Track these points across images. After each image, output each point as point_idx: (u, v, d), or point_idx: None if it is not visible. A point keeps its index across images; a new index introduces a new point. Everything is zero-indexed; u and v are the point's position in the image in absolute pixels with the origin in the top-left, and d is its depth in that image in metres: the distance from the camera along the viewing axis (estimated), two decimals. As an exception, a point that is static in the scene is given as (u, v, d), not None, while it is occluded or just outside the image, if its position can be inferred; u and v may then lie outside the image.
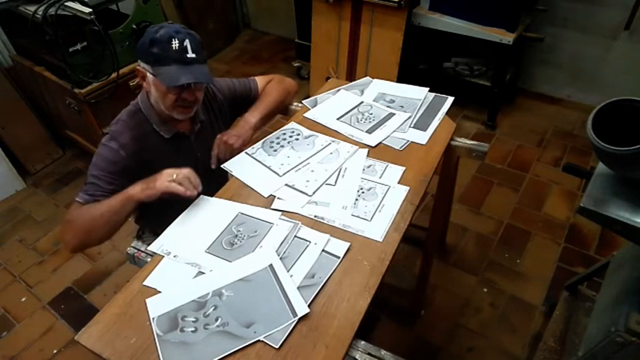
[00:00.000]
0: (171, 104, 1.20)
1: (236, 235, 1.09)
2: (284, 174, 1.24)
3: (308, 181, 1.21)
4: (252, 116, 1.39)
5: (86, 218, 1.13)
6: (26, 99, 2.58)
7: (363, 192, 1.18)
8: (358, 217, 1.11)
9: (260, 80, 1.51)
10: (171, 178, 1.10)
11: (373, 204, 1.15)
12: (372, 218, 1.11)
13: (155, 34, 1.13)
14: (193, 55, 1.15)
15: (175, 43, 1.13)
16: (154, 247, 1.07)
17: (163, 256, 1.03)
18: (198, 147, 1.35)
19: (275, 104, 1.46)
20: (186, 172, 1.13)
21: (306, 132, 1.40)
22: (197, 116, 1.33)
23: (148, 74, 1.18)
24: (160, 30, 1.14)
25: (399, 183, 1.21)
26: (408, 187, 1.19)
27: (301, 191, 1.19)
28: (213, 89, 1.40)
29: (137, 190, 1.12)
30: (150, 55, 1.14)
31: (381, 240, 1.05)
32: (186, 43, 1.14)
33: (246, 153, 1.33)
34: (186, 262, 1.02)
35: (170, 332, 0.88)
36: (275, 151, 1.33)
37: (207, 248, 1.06)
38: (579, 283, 1.72)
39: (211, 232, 1.09)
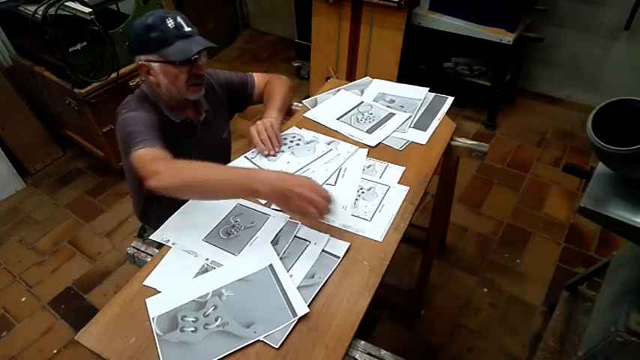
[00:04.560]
0: (183, 85, 1.21)
1: (233, 226, 1.10)
2: None
3: (308, 181, 1.21)
4: (270, 115, 1.38)
5: (192, 173, 1.05)
6: (26, 99, 2.59)
7: (363, 192, 1.18)
8: (358, 217, 1.11)
9: (257, 77, 1.51)
10: (306, 213, 0.97)
11: (373, 204, 1.15)
12: (372, 218, 1.11)
13: (146, 21, 1.14)
14: (190, 29, 1.18)
15: (170, 22, 1.15)
16: (154, 236, 1.08)
17: (163, 257, 1.03)
18: (205, 137, 1.37)
19: (285, 99, 1.46)
20: (324, 195, 0.98)
21: (307, 137, 1.39)
22: (202, 105, 1.35)
23: (153, 64, 1.19)
24: (149, 17, 1.15)
25: (399, 183, 1.21)
26: (408, 187, 1.19)
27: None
28: (212, 82, 1.41)
29: (267, 194, 0.99)
30: (150, 42, 1.15)
31: (380, 240, 1.05)
32: (179, 19, 1.17)
33: (245, 157, 1.32)
34: (184, 249, 1.04)
35: (170, 332, 0.88)
36: (274, 156, 1.32)
37: (205, 237, 1.07)
38: (579, 283, 1.72)
39: (210, 222, 1.11)
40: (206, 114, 1.36)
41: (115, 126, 1.25)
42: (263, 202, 1.16)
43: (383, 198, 1.16)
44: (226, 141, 1.52)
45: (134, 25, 1.18)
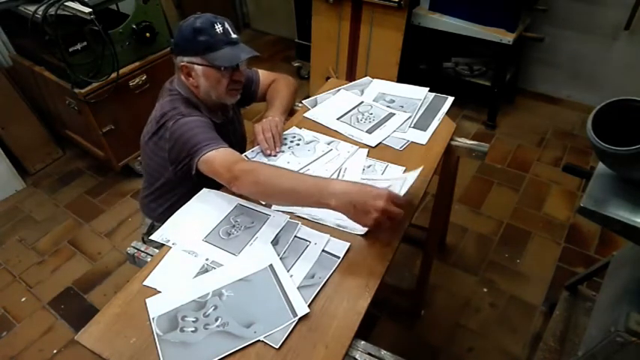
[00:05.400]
0: (224, 89, 1.24)
1: (233, 226, 1.10)
2: None
3: (308, 181, 1.21)
4: (273, 115, 1.39)
5: (268, 181, 1.05)
6: (26, 99, 2.59)
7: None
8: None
9: (263, 75, 1.52)
10: (378, 220, 0.95)
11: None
12: None
13: (194, 24, 1.16)
14: (236, 36, 1.21)
15: (219, 27, 1.17)
16: (155, 236, 1.08)
17: (163, 257, 1.03)
18: (233, 135, 1.42)
19: (290, 101, 1.48)
20: (401, 202, 0.96)
21: (307, 137, 1.39)
22: (228, 105, 1.38)
23: (197, 66, 1.20)
24: (197, 20, 1.17)
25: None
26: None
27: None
28: None
29: (341, 207, 0.96)
30: (199, 45, 1.17)
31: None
32: (227, 25, 1.19)
33: (245, 156, 1.32)
34: (184, 249, 1.04)
35: (170, 332, 0.88)
36: (275, 156, 1.32)
37: (205, 237, 1.07)
38: (579, 283, 1.72)
39: (210, 221, 1.11)
40: (231, 112, 1.40)
41: (158, 134, 1.24)
42: (264, 202, 1.16)
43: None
44: (245, 137, 1.56)
45: (181, 26, 1.20)
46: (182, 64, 1.22)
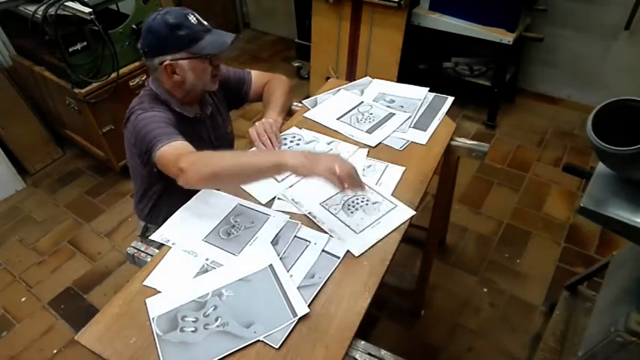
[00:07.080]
0: (209, 76, 1.25)
1: (233, 226, 1.10)
2: (282, 180, 1.23)
3: (308, 181, 1.21)
4: (269, 116, 1.38)
5: (218, 163, 1.04)
6: (26, 99, 2.59)
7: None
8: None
9: (255, 75, 1.51)
10: (335, 172, 0.95)
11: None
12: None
13: (167, 21, 1.15)
14: (207, 23, 1.22)
15: (193, 18, 1.18)
16: (154, 236, 1.08)
17: (163, 257, 1.03)
18: (213, 131, 1.40)
19: (286, 100, 1.46)
20: (349, 168, 0.97)
21: (307, 137, 1.39)
22: (206, 100, 1.37)
23: (181, 62, 1.19)
24: (167, 16, 1.15)
25: (398, 183, 1.21)
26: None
27: (301, 191, 1.18)
28: None
29: (295, 162, 0.98)
30: (181, 39, 1.16)
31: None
32: (196, 15, 1.20)
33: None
34: (184, 249, 1.04)
35: (170, 332, 0.88)
36: None
37: (205, 237, 1.07)
38: (579, 283, 1.72)
39: (210, 221, 1.11)
40: (211, 108, 1.39)
41: (127, 128, 1.25)
42: (263, 202, 1.16)
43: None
44: (231, 135, 1.55)
45: (150, 26, 1.16)
46: (165, 63, 1.18)
